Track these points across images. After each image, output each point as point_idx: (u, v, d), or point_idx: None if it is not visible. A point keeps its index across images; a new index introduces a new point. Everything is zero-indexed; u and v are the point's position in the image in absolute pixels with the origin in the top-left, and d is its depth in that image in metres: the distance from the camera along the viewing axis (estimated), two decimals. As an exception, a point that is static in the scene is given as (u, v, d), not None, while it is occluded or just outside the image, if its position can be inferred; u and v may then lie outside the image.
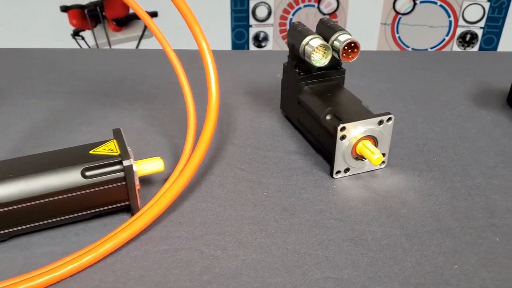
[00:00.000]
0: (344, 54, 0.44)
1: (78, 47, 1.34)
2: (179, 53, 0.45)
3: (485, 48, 1.45)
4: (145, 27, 1.38)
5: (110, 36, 1.37)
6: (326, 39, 0.44)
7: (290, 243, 0.36)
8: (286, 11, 1.43)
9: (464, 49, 1.47)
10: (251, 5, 1.40)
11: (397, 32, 1.47)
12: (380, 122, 0.41)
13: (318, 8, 1.43)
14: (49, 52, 0.66)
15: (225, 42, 1.43)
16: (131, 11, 1.35)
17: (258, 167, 0.44)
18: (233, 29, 1.42)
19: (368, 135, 0.41)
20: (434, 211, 0.39)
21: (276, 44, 1.49)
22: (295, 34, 0.45)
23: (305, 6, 1.44)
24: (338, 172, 0.43)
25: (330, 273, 0.34)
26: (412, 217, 0.39)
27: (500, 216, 0.39)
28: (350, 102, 0.44)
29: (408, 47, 1.49)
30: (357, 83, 0.58)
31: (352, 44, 0.44)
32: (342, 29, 0.44)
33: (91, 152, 0.36)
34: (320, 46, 0.43)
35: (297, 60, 0.46)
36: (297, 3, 1.42)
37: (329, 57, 0.44)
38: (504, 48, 1.44)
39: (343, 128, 0.40)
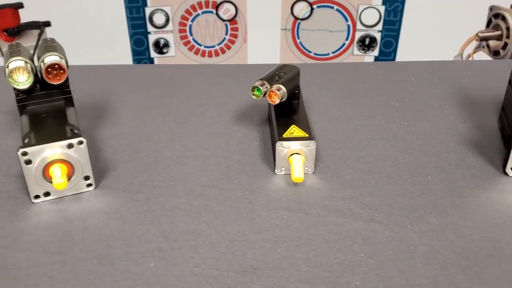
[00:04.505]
0: (49, 76, 0.43)
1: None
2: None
3: (385, 52, 1.46)
4: (39, 37, 1.37)
5: (2, 46, 1.35)
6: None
7: None
8: (184, 18, 1.42)
9: (365, 52, 1.48)
10: (147, 12, 1.40)
11: (298, 38, 1.47)
12: (70, 146, 0.41)
13: (217, 14, 1.43)
14: None
15: (125, 50, 1.42)
16: (23, 21, 1.34)
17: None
18: (131, 36, 1.41)
19: (60, 159, 0.41)
20: (111, 236, 0.39)
21: (178, 50, 1.48)
22: (6, 55, 0.44)
23: (203, 12, 1.43)
24: (37, 196, 0.42)
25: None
26: (81, 243, 0.38)
27: (173, 239, 0.38)
28: (57, 124, 0.44)
29: (310, 52, 1.49)
30: (131, 99, 0.57)
31: (56, 66, 0.43)
32: (53, 50, 0.44)
33: None
34: (20, 68, 0.43)
35: (13, 82, 0.45)
36: (195, 10, 1.41)
37: (32, 79, 0.43)
38: (403, 51, 1.45)
39: (25, 153, 0.40)
